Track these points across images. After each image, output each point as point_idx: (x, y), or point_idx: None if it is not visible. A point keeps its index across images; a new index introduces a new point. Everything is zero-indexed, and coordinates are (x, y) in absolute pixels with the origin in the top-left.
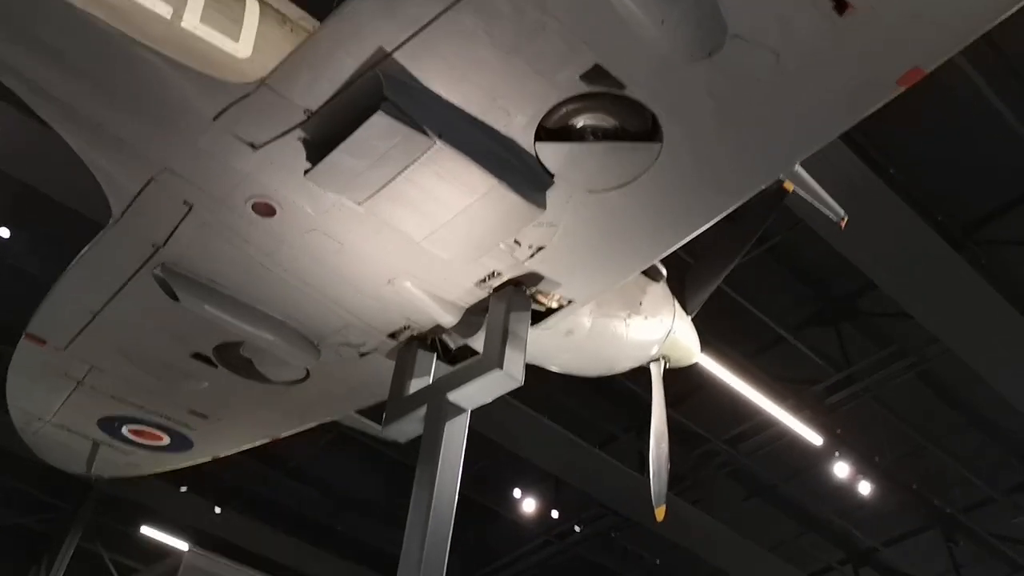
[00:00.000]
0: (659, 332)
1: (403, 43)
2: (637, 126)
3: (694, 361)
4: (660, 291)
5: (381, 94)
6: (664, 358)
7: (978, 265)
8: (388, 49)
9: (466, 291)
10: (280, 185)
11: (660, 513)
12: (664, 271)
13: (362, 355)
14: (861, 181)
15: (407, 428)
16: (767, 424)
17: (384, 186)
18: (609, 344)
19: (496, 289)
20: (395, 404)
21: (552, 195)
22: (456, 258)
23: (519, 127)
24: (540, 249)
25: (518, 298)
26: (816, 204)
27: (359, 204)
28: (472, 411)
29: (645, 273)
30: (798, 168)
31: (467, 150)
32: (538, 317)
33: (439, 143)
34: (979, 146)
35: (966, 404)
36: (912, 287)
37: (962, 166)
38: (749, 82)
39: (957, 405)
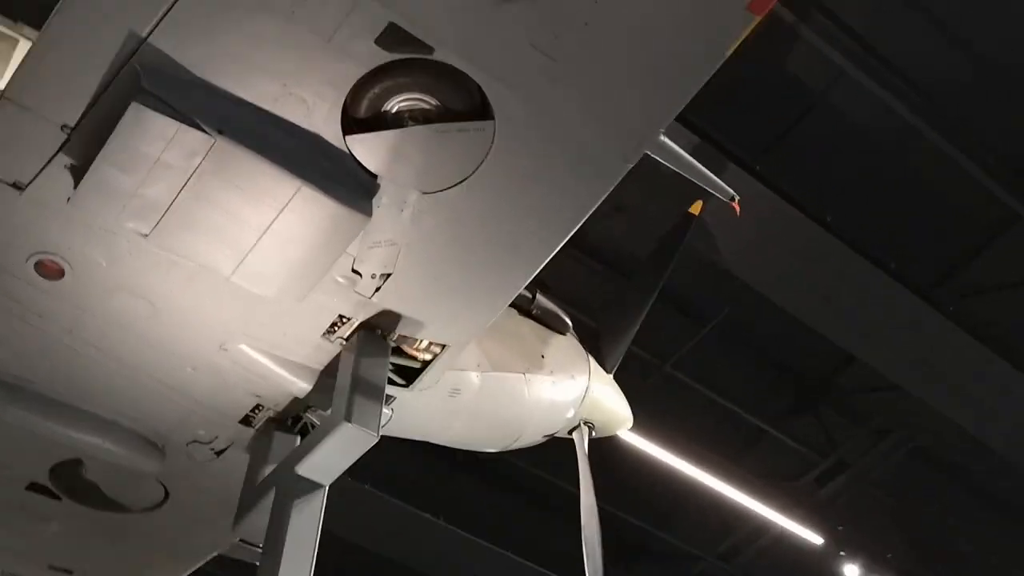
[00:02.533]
0: (572, 392)
1: (158, 23)
2: (464, 103)
3: (626, 426)
4: (566, 344)
5: (139, 86)
6: (587, 424)
7: (949, 315)
8: (141, 34)
9: (314, 347)
10: (62, 234)
11: None
12: (568, 321)
13: (218, 454)
14: (818, 246)
15: (260, 523)
16: (761, 530)
17: (170, 207)
18: (508, 406)
19: (348, 339)
20: (245, 498)
21: (382, 203)
22: (283, 297)
23: (321, 118)
24: (386, 277)
25: (371, 343)
26: (699, 183)
27: (147, 236)
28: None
29: (545, 324)
30: (668, 142)
31: (258, 148)
32: (412, 375)
33: (220, 140)
34: (932, 196)
35: (962, 475)
36: (888, 348)
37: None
38: (577, 28)
39: (956, 479)
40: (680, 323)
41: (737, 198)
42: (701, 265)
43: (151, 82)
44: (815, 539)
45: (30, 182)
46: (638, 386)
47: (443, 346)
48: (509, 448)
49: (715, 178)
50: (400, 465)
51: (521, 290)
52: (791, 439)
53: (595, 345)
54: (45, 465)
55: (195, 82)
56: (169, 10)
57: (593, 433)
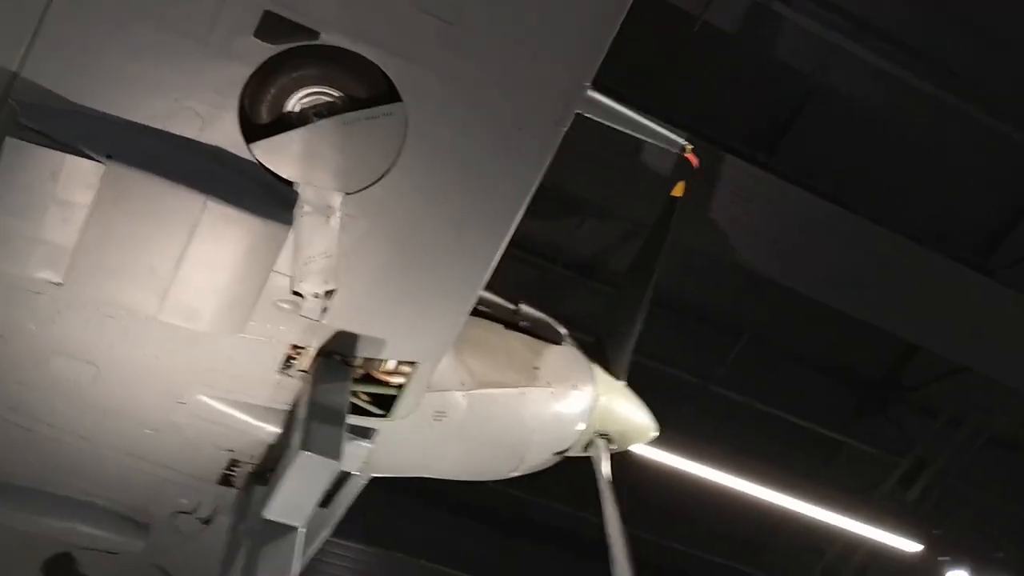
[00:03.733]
0: (577, 403)
1: (26, 53)
2: (368, 89)
3: (648, 436)
4: (563, 354)
5: (15, 122)
6: (604, 437)
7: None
8: (12, 68)
9: (274, 385)
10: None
11: None
12: (561, 330)
13: (206, 522)
14: (854, 234)
15: None
16: (854, 546)
17: (76, 247)
18: (505, 425)
19: (308, 371)
20: (224, 560)
21: (304, 211)
22: (221, 330)
23: (219, 129)
24: (330, 294)
25: (329, 369)
26: (644, 137)
27: (62, 285)
28: None
29: (535, 335)
30: (599, 97)
31: (155, 169)
32: (390, 403)
33: (111, 164)
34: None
35: None
36: (946, 328)
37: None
38: None
39: None
40: (721, 341)
41: (690, 147)
42: (732, 273)
43: (29, 116)
44: (913, 547)
45: None
46: (688, 412)
47: (412, 362)
48: (516, 472)
49: (661, 129)
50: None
51: (480, 288)
52: (864, 444)
53: (601, 355)
54: (35, 563)
55: (79, 111)
56: (35, 37)
57: (613, 446)
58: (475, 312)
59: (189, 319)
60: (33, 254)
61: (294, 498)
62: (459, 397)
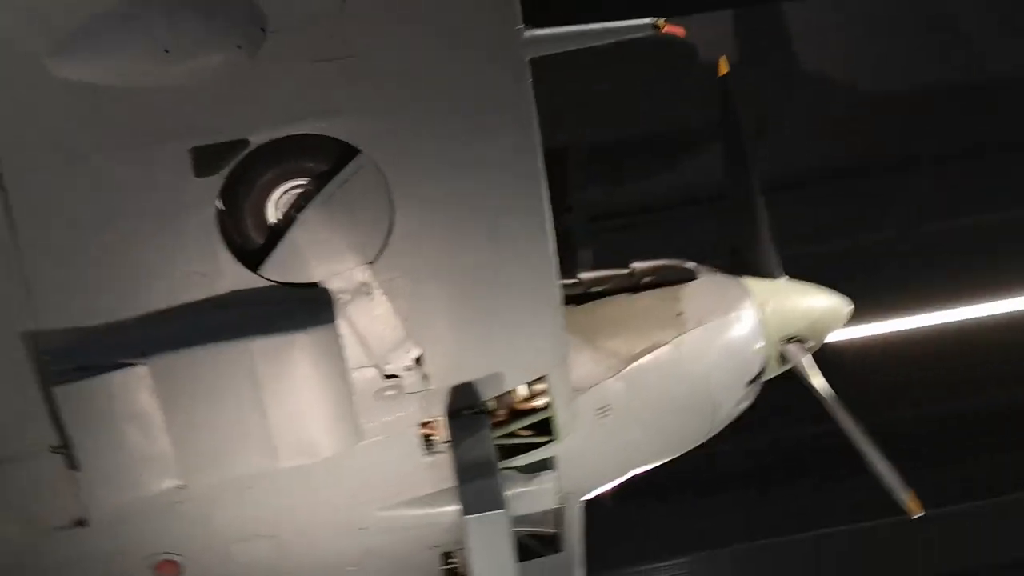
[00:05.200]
0: (743, 325)
1: (31, 312)
2: (326, 158)
3: (843, 315)
4: (703, 286)
5: (52, 373)
6: (794, 340)
7: None
8: (30, 328)
9: (429, 468)
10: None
11: (913, 504)
12: (687, 264)
13: None
14: None
15: None
16: None
17: (174, 445)
18: (676, 384)
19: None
20: None
21: (343, 300)
22: (344, 447)
23: (224, 274)
24: (420, 359)
25: (462, 426)
26: (614, 39)
27: (186, 487)
28: None
29: (661, 284)
30: (538, 32)
31: (190, 342)
32: (545, 428)
33: (150, 361)
34: None
35: None
36: None
37: None
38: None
39: None
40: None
41: (662, 21)
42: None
43: (61, 361)
44: None
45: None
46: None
47: (540, 376)
48: (718, 423)
49: (621, 24)
50: None
51: (555, 273)
52: None
53: (746, 265)
54: None
55: (98, 330)
56: (28, 294)
57: (809, 345)
58: (590, 295)
59: (308, 453)
60: (144, 475)
61: (488, 563)
62: (613, 384)
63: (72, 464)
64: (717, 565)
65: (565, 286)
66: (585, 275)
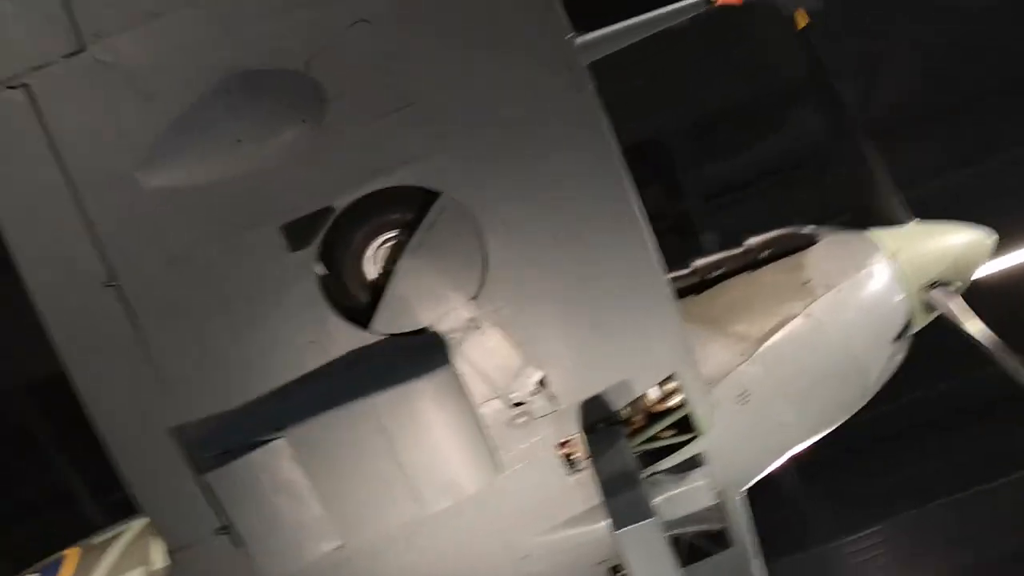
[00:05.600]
0: (877, 279)
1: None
2: (412, 203)
3: (987, 247)
4: (826, 248)
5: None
6: (940, 285)
7: None
8: (172, 424)
9: (576, 487)
10: None
11: None
12: (803, 230)
13: None
14: None
15: None
16: None
17: (324, 507)
18: (816, 356)
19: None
20: None
21: (454, 338)
22: (487, 482)
23: (339, 338)
24: (543, 381)
25: (598, 441)
26: (667, 25)
27: (343, 546)
28: None
29: (781, 255)
30: (588, 36)
31: (322, 408)
32: (687, 426)
33: (287, 433)
34: None
35: None
36: None
37: None
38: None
39: None
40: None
41: None
42: None
43: (204, 448)
44: None
45: None
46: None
47: (668, 376)
48: (871, 386)
49: (675, 5)
50: None
51: (657, 264)
52: None
53: (873, 216)
54: None
55: (231, 414)
56: (163, 390)
57: (955, 286)
58: (709, 282)
59: (453, 494)
60: (304, 540)
61: (649, 573)
62: (748, 368)
63: (238, 542)
64: (920, 523)
65: (680, 277)
66: (699, 262)
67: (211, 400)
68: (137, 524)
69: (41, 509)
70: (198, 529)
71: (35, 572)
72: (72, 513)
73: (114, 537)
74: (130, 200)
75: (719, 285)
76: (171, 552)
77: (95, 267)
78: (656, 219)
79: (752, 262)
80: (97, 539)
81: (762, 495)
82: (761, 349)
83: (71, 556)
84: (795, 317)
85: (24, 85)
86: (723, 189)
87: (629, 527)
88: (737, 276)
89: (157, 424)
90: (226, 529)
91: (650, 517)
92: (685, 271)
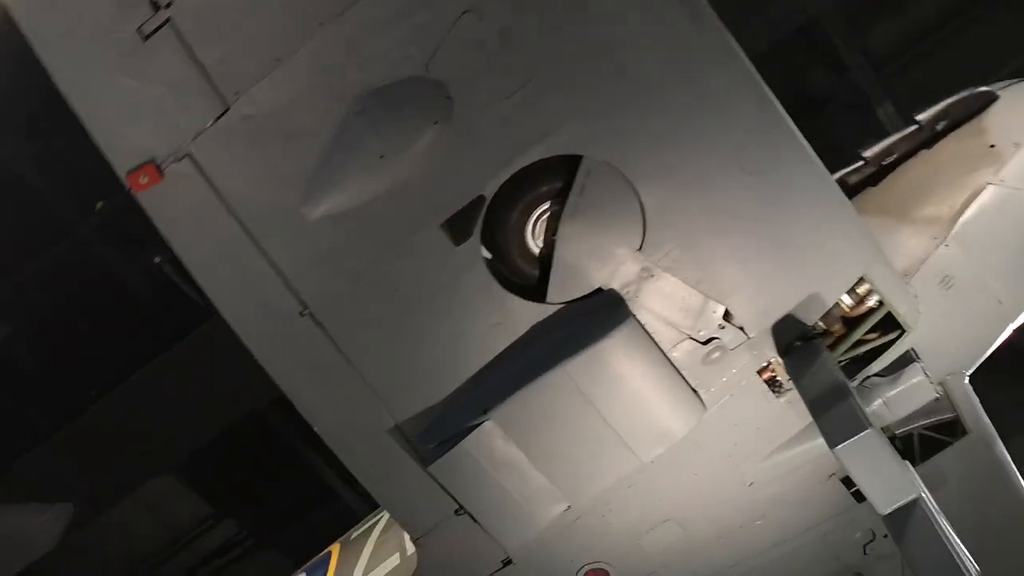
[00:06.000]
0: None
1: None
2: (557, 176)
3: None
4: (1011, 103)
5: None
6: None
7: None
8: (393, 422)
9: (787, 409)
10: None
11: None
12: (982, 87)
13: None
14: None
15: None
16: None
17: (546, 474)
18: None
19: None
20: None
21: (631, 291)
22: (696, 419)
23: (519, 318)
24: (729, 313)
25: (795, 361)
26: None
27: (570, 506)
28: None
29: (959, 123)
30: None
31: (515, 385)
32: (892, 325)
33: (493, 415)
34: None
35: None
36: None
37: None
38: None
39: None
40: None
41: None
42: None
43: (425, 442)
44: None
45: None
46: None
47: (860, 278)
48: None
49: None
50: None
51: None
52: None
53: None
54: None
55: (439, 405)
56: (378, 394)
57: None
58: (884, 169)
59: (664, 440)
60: (534, 509)
61: (878, 483)
62: (944, 251)
63: (475, 520)
64: None
65: (852, 171)
66: (870, 152)
67: (418, 397)
68: (387, 513)
69: (311, 506)
70: (436, 514)
71: (303, 571)
72: (339, 507)
73: (368, 529)
74: (301, 233)
75: (897, 170)
76: (415, 540)
77: (288, 302)
78: (828, 101)
79: (928, 138)
80: (355, 532)
81: None
82: (955, 228)
83: (335, 552)
84: (986, 187)
85: (187, 155)
86: (890, 56)
87: (846, 443)
88: (914, 157)
89: (376, 429)
90: (462, 511)
91: (866, 429)
92: (856, 165)
